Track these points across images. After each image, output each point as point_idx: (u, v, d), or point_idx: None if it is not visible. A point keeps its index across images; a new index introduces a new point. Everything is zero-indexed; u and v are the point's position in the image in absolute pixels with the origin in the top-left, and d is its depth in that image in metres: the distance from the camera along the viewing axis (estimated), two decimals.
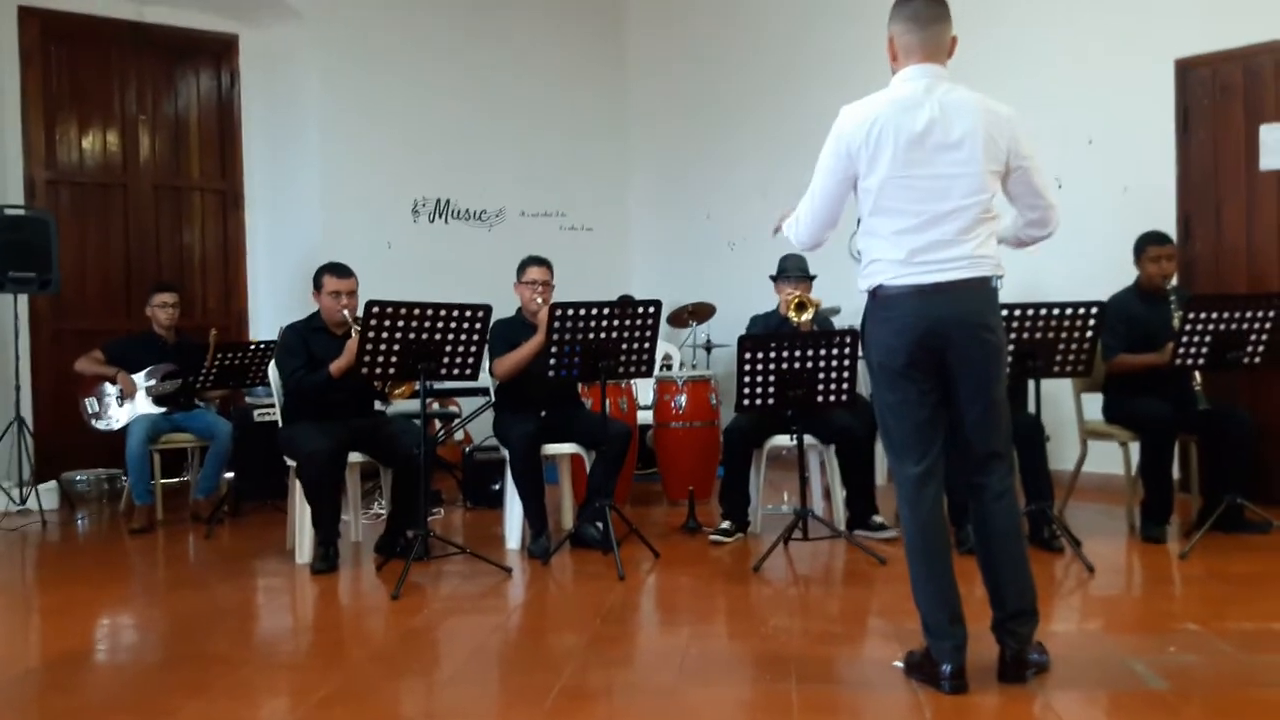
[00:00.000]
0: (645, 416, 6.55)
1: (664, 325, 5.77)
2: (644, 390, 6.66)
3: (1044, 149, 6.38)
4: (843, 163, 2.96)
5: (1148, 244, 5.10)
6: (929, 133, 2.87)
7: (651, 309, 4.81)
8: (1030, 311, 4.51)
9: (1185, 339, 4.58)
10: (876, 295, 2.98)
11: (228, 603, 4.32)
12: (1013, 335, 4.49)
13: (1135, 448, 5.02)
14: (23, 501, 6.26)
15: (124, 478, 6.16)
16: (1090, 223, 6.07)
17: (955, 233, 2.88)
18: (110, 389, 5.96)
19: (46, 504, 6.20)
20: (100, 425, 5.97)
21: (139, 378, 5.99)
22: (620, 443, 4.97)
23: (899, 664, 3.11)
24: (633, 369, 4.88)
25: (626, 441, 5.06)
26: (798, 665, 3.19)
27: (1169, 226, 5.61)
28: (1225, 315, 4.55)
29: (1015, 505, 3.03)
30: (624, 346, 4.79)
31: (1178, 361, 4.62)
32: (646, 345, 4.83)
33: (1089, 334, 4.57)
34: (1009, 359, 4.49)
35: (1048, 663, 3.02)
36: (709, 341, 7.69)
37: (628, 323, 4.76)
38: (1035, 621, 3.00)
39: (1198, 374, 4.73)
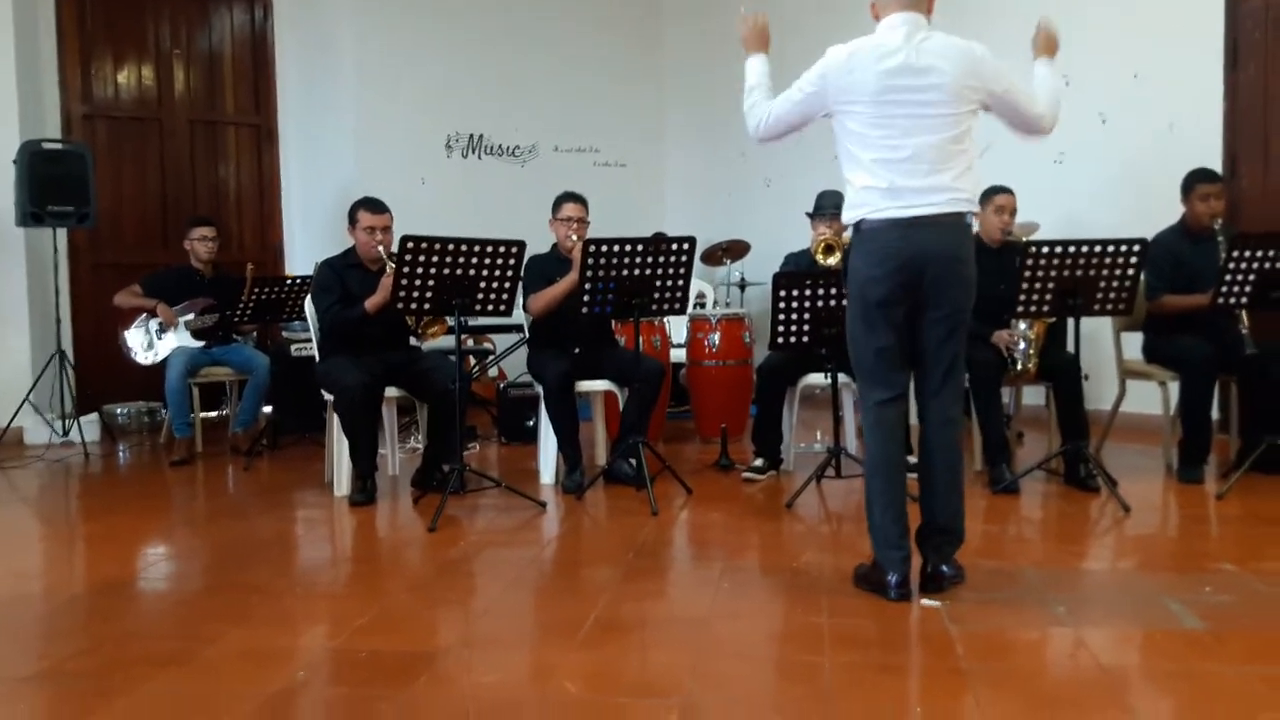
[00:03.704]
0: (678, 354, 6.55)
1: (698, 263, 5.74)
2: (677, 328, 6.65)
3: (1087, 84, 6.30)
4: (819, 93, 3.21)
5: (1197, 182, 4.98)
6: (903, 72, 3.09)
7: (685, 246, 4.78)
8: (1072, 249, 4.44)
9: (1228, 278, 4.50)
10: (860, 228, 3.18)
11: (267, 533, 4.39)
12: (1054, 273, 4.44)
13: (1174, 388, 4.97)
14: (65, 434, 6.38)
15: (164, 411, 6.25)
16: (1134, 159, 5.97)
17: (929, 165, 3.09)
18: (150, 322, 6.01)
19: (88, 436, 6.32)
20: (140, 359, 6.04)
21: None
22: (653, 380, 4.97)
23: (929, 602, 3.12)
24: (666, 306, 4.87)
25: (659, 379, 5.06)
26: (829, 599, 3.20)
27: (1214, 163, 5.49)
28: (1271, 254, 4.46)
29: (959, 433, 3.27)
30: (657, 284, 4.77)
31: (1220, 301, 4.54)
32: (680, 283, 4.81)
33: (1130, 272, 4.50)
34: (1049, 295, 4.48)
35: (962, 577, 3.22)
36: (743, 279, 7.66)
37: (661, 260, 4.74)
38: (958, 543, 3.23)
39: (1245, 316, 4.64)
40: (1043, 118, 3.29)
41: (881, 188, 3.10)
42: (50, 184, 6.19)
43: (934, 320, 3.15)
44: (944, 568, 3.19)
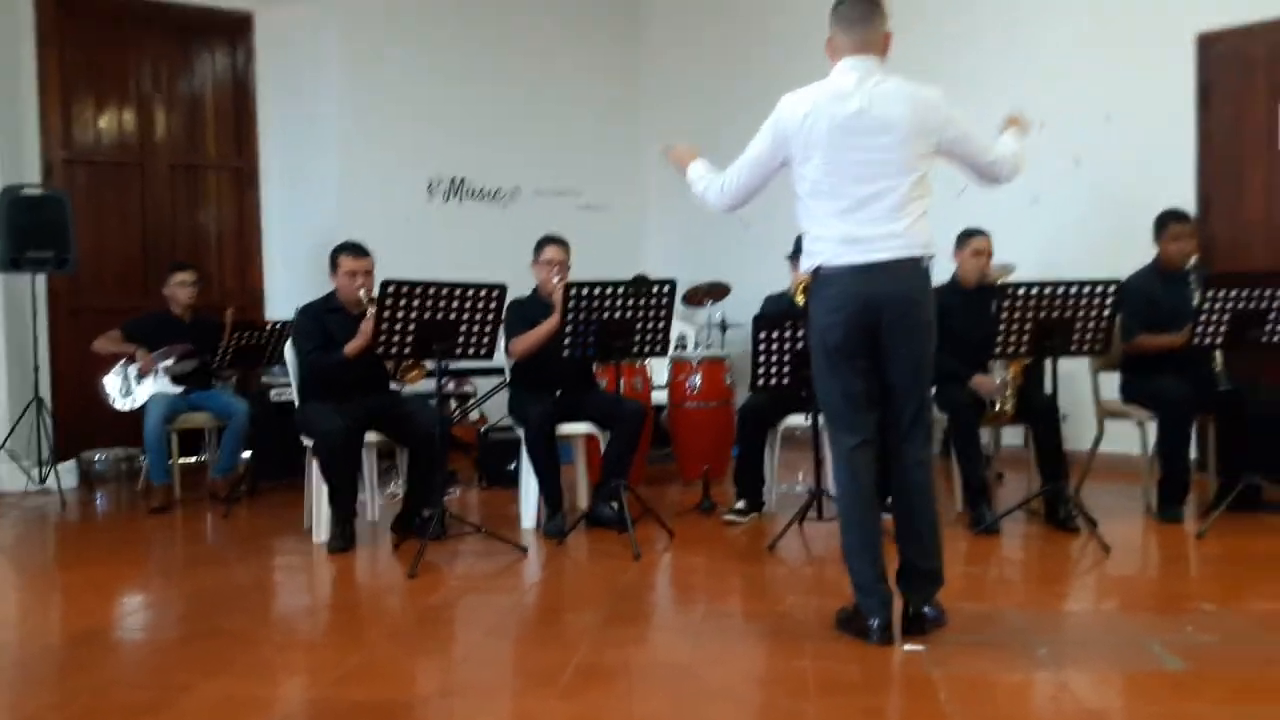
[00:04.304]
0: (660, 396, 6.55)
1: (679, 304, 5.75)
2: (659, 370, 6.66)
3: (1060, 125, 6.37)
4: (777, 145, 3.25)
5: (1169, 222, 5.03)
6: (858, 119, 3.12)
7: (666, 289, 4.80)
8: (1047, 290, 4.48)
9: (1204, 318, 4.55)
10: (818, 275, 3.23)
11: (245, 581, 4.35)
12: (1030, 314, 4.48)
13: (1152, 427, 4.99)
14: (42, 481, 6.31)
15: (142, 457, 6.18)
16: (1108, 201, 6.03)
17: (885, 211, 3.11)
18: (129, 368, 5.95)
19: (66, 483, 6.26)
20: (117, 405, 5.97)
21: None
22: (634, 422, 4.96)
23: (912, 646, 3.11)
24: (647, 348, 4.88)
25: (641, 421, 5.05)
26: (813, 643, 3.19)
27: (1187, 204, 5.56)
28: (1245, 294, 4.51)
29: (930, 474, 3.26)
30: (639, 326, 4.79)
31: (1195, 341, 4.59)
32: (661, 325, 4.83)
33: (1106, 312, 4.54)
34: (1026, 336, 4.51)
35: (944, 619, 3.22)
36: (724, 321, 7.67)
37: (642, 302, 4.76)
38: (938, 584, 3.23)
39: (1218, 354, 4.69)
40: (995, 163, 3.29)
41: (835, 238, 3.15)
42: (30, 230, 6.17)
43: (897, 365, 3.17)
44: (926, 609, 3.20)
